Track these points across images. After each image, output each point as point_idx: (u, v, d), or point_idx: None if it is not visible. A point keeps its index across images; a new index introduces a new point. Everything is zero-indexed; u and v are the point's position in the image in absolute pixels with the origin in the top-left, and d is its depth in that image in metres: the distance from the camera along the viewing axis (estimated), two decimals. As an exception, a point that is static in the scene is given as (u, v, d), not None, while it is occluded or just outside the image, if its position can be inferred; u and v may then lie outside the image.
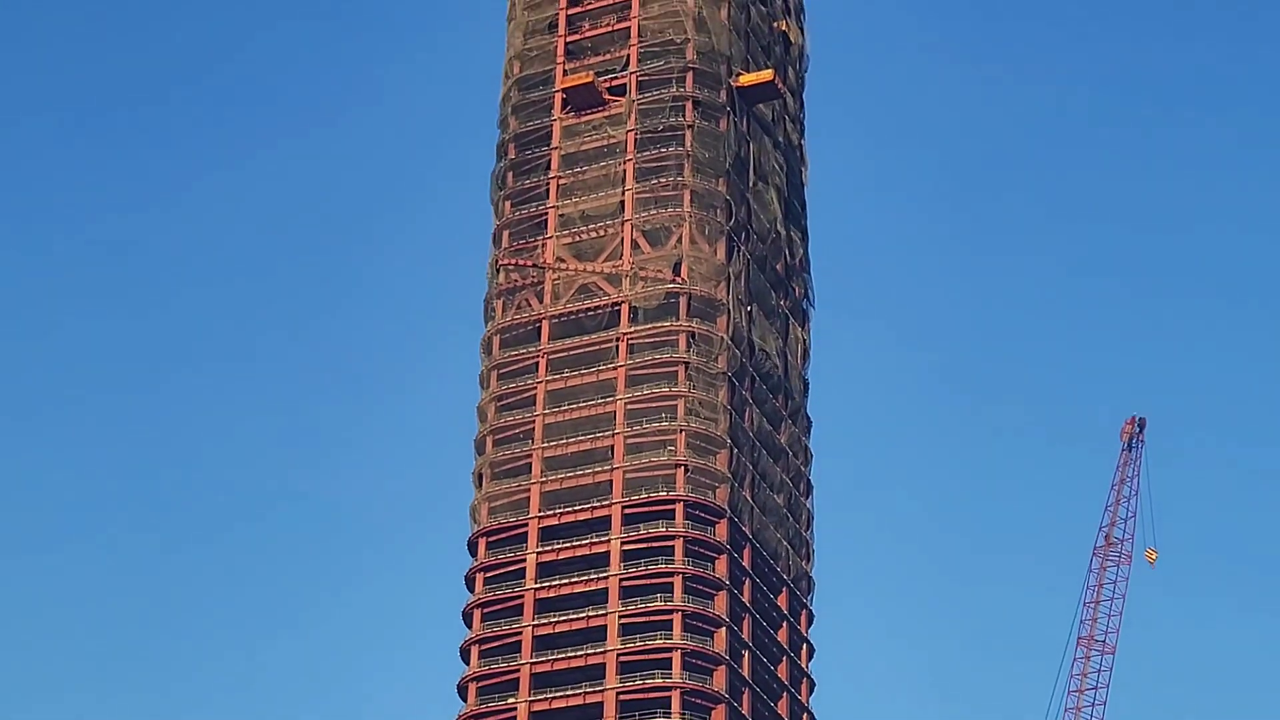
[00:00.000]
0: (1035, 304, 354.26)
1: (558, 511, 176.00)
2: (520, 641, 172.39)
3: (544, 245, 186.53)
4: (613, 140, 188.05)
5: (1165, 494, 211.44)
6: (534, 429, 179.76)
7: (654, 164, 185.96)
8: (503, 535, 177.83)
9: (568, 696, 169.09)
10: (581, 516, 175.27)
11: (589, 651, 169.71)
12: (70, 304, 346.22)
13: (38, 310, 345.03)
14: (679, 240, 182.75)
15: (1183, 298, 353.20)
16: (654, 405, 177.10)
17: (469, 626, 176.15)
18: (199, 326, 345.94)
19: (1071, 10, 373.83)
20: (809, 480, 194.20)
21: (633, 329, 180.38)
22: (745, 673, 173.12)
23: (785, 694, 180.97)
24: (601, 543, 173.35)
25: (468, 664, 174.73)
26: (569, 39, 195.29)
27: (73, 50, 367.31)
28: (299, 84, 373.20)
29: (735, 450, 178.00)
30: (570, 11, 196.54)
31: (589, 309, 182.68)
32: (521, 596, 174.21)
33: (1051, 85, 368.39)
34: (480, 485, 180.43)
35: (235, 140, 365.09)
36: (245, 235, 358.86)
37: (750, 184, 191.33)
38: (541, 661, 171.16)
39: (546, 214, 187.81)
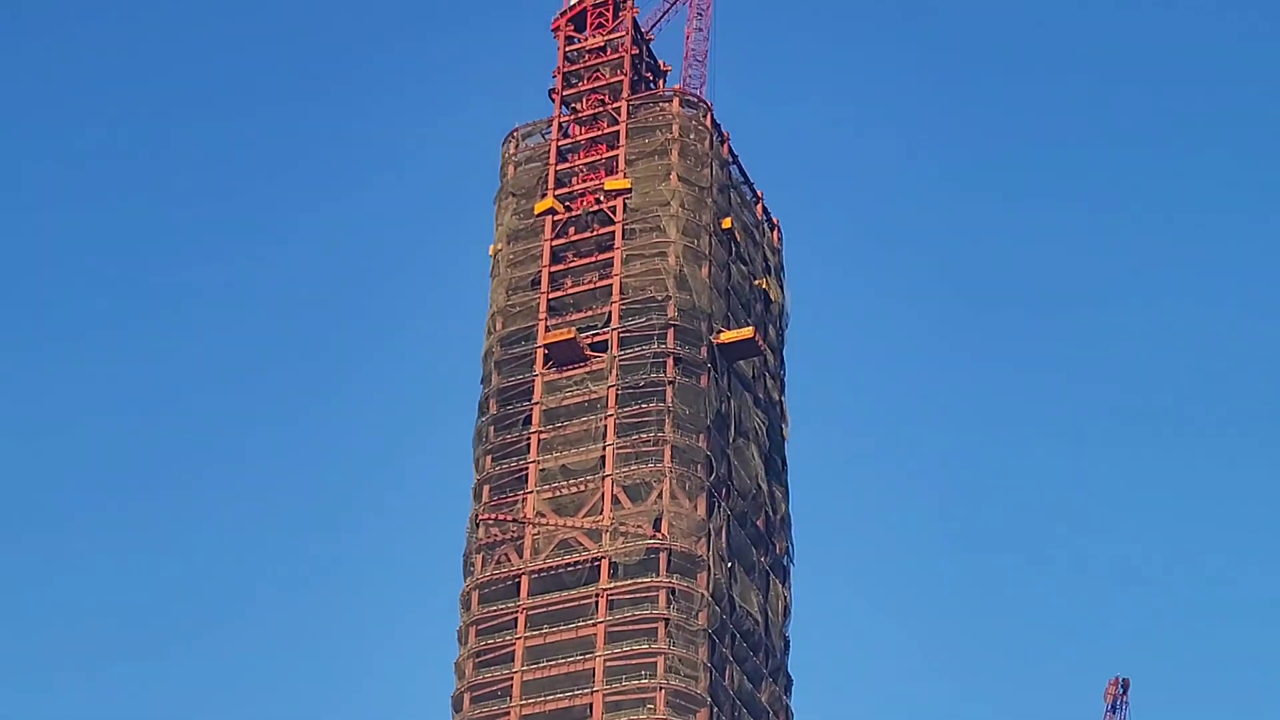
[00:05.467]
0: (1016, 564, 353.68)
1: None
2: None
3: (524, 500, 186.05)
4: (594, 395, 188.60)
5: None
6: (512, 686, 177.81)
7: (635, 419, 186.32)
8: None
9: None
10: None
11: None
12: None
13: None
14: (659, 496, 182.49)
15: (1167, 560, 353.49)
16: (634, 662, 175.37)
17: None
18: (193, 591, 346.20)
19: (1051, 281, 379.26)
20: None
21: (613, 585, 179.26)
22: None
23: None
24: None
25: None
26: (551, 295, 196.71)
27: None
28: (277, 356, 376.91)
29: (715, 709, 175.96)
30: (553, 269, 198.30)
31: (569, 564, 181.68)
32: None
33: (1033, 373, 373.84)
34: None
35: (217, 428, 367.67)
36: (227, 502, 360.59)
37: (731, 440, 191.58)
38: None
39: (527, 469, 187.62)
